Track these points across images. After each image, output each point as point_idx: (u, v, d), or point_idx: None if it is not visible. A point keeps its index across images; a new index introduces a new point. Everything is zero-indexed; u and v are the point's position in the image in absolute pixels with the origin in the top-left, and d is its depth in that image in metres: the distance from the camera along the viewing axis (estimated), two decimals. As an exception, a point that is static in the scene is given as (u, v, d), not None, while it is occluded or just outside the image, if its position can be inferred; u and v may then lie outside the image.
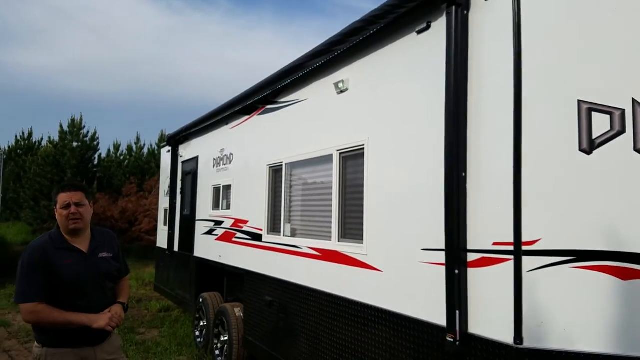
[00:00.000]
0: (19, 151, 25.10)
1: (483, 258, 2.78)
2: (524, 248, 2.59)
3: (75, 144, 20.26)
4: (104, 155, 23.17)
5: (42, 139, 25.03)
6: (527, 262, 2.58)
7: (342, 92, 4.05)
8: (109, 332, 3.18)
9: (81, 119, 20.80)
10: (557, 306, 2.54)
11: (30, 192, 19.45)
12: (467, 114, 2.89)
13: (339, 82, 4.02)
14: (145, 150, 24.58)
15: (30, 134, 25.91)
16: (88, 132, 21.05)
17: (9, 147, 25.43)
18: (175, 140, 8.50)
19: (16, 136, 25.57)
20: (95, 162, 21.66)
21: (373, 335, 3.59)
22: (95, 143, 21.25)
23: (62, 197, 3.10)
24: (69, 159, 19.49)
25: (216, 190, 6.87)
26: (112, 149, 24.18)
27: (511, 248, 2.62)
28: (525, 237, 2.59)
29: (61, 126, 20.55)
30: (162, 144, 10.15)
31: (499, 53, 2.76)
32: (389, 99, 3.57)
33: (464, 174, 2.87)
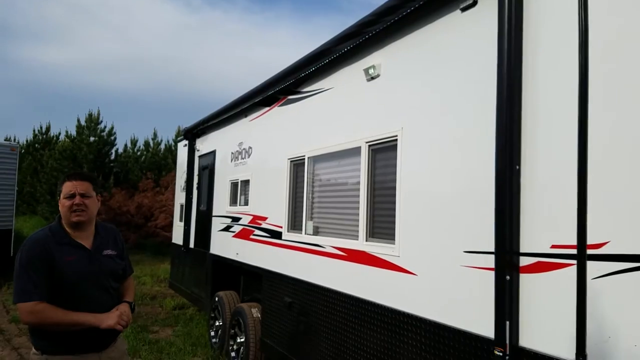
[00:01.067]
0: (36, 145, 25.13)
1: (539, 262, 2.45)
2: (589, 252, 2.24)
3: (92, 138, 20.20)
4: (120, 150, 23.11)
5: (59, 133, 25.00)
6: (592, 267, 2.23)
7: (372, 78, 3.72)
8: (115, 336, 2.93)
9: (98, 114, 20.74)
10: (627, 319, 2.19)
11: (47, 186, 19.43)
12: (521, 101, 2.55)
13: (370, 67, 3.69)
14: (162, 146, 24.50)
15: (48, 129, 25.91)
16: (105, 127, 21.00)
17: (26, 141, 25.48)
18: (192, 133, 8.24)
19: (34, 130, 25.59)
20: (112, 157, 21.60)
21: (404, 344, 3.27)
22: (113, 138, 21.17)
23: (67, 186, 2.84)
24: (86, 154, 19.43)
25: (234, 185, 6.59)
26: (129, 145, 24.13)
27: (573, 252, 2.28)
28: (590, 240, 2.24)
29: (78, 121, 20.52)
30: (179, 138, 9.91)
31: (560, 31, 2.42)
32: (428, 85, 3.24)
33: (517, 167, 2.53)
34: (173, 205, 17.42)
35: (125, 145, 24.04)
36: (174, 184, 18.63)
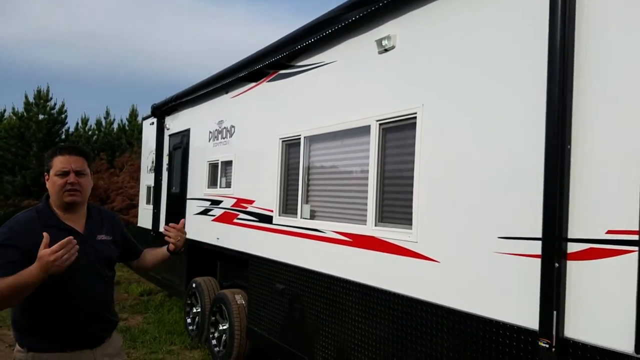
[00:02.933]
0: (-23, 123, 23.48)
1: (591, 249, 2.28)
2: (652, 238, 2.10)
3: (41, 116, 19.00)
4: (72, 129, 21.93)
5: (4, 110, 23.38)
6: (655, 254, 2.09)
7: (386, 50, 3.45)
8: (110, 331, 2.64)
9: (48, 90, 19.47)
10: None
11: (-7, 167, 18.24)
12: (573, 72, 2.36)
13: (384, 38, 3.42)
14: (115, 126, 23.44)
15: (-8, 105, 24.27)
16: (55, 104, 19.77)
17: (-34, 118, 23.78)
18: (161, 111, 7.76)
19: (-25, 106, 23.84)
20: (63, 136, 20.43)
21: (421, 333, 3.09)
22: (63, 116, 19.99)
23: (60, 162, 2.47)
24: (35, 132, 18.25)
25: (213, 166, 6.22)
26: (80, 124, 22.94)
27: (634, 237, 2.12)
28: (652, 225, 2.09)
29: (26, 97, 19.18)
30: (144, 116, 9.36)
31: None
32: (454, 56, 3.00)
33: (569, 146, 2.35)
34: (130, 188, 16.90)
35: (77, 124, 22.87)
36: (133, 164, 18.00)
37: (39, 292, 2.30)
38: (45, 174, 2.53)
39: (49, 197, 2.54)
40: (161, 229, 7.66)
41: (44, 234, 2.17)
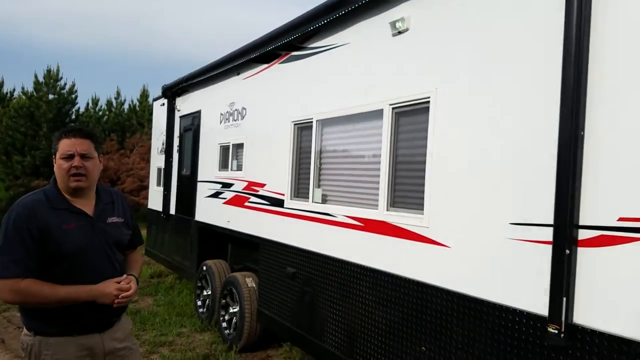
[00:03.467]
0: (-13, 101, 23.55)
1: (603, 236, 2.28)
2: (665, 226, 2.09)
3: (51, 96, 19.03)
4: (82, 109, 22.01)
5: (14, 89, 23.46)
6: (668, 242, 2.09)
7: (399, 33, 3.42)
8: (120, 314, 2.60)
9: (58, 70, 19.48)
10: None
11: (2, 146, 18.29)
12: (589, 57, 2.33)
13: (397, 20, 3.39)
14: (126, 106, 23.51)
15: (1, 84, 24.31)
16: (65, 84, 19.80)
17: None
18: (172, 92, 7.76)
19: (-18, 85, 23.89)
20: (73, 116, 20.52)
21: (431, 318, 3.12)
22: (74, 96, 20.03)
23: (65, 144, 2.43)
24: (45, 112, 18.29)
25: (224, 149, 6.24)
26: (90, 104, 23.02)
27: (647, 225, 2.12)
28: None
29: (36, 77, 19.21)
30: (155, 97, 9.37)
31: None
32: (468, 39, 2.97)
33: (582, 133, 2.34)
34: (141, 169, 17.00)
35: (87, 105, 22.95)
36: (140, 146, 18.07)
37: (48, 276, 2.33)
38: (53, 156, 2.49)
39: (57, 180, 2.50)
40: (172, 211, 7.74)
41: (117, 284, 2.44)
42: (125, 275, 2.54)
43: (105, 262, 2.52)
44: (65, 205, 2.45)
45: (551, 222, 2.42)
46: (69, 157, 2.42)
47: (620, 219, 2.22)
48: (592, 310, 2.32)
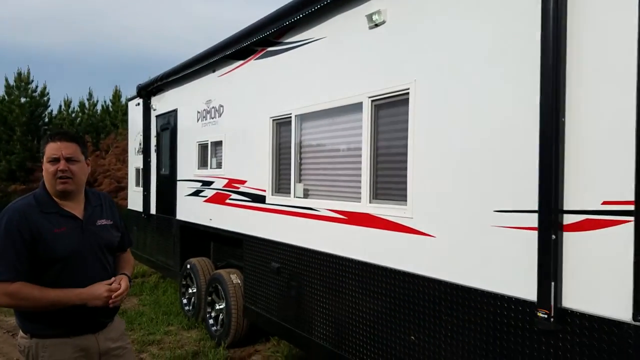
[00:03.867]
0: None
1: (587, 220, 2.31)
2: (647, 207, 2.12)
3: (23, 99, 18.63)
4: (55, 112, 21.55)
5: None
6: (650, 223, 2.12)
7: (376, 25, 3.41)
8: (113, 315, 2.63)
9: (29, 73, 19.08)
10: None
11: (-24, 153, 17.90)
12: (566, 43, 2.35)
13: (374, 13, 3.37)
14: (99, 107, 23.06)
15: (-30, 90, 23.64)
16: (37, 86, 19.39)
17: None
18: (147, 91, 7.63)
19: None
20: (46, 119, 20.09)
21: (418, 307, 3.13)
22: (46, 99, 19.64)
23: (51, 148, 2.45)
24: (18, 116, 17.92)
25: (202, 147, 6.16)
26: (63, 106, 22.54)
27: (630, 208, 2.15)
28: (648, 195, 2.12)
29: (7, 80, 18.80)
30: (128, 97, 9.21)
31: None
32: (445, 30, 2.97)
33: (563, 119, 2.35)
34: (120, 170, 16.73)
35: (60, 107, 22.46)
36: (118, 146, 17.76)
37: (42, 279, 2.37)
38: (42, 160, 2.51)
39: (45, 184, 2.51)
40: (152, 211, 7.64)
41: (107, 285, 2.44)
42: (113, 278, 2.56)
43: (96, 264, 2.54)
44: (55, 209, 2.46)
45: (536, 208, 2.44)
46: (55, 161, 2.44)
47: (604, 203, 2.25)
48: (580, 293, 2.34)
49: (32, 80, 19.21)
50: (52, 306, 2.35)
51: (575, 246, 2.35)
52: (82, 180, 2.53)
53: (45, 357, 2.40)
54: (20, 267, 2.32)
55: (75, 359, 2.44)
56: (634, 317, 2.13)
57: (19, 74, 18.93)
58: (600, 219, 2.26)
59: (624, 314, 2.17)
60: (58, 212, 2.46)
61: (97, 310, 2.46)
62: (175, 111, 6.93)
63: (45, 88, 19.59)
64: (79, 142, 2.54)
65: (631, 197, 2.14)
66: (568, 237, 2.38)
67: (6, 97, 18.60)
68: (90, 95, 23.06)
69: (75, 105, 22.59)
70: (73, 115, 22.54)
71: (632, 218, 2.14)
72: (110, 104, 23.14)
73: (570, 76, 2.34)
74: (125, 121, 19.39)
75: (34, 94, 19.13)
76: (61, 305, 2.36)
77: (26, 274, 2.33)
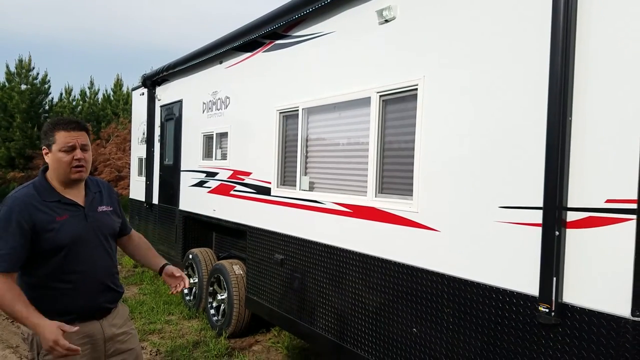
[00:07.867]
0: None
1: (590, 217, 2.37)
2: (649, 206, 2.18)
3: (24, 86, 18.62)
4: (55, 100, 21.54)
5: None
6: (652, 222, 2.18)
7: (386, 21, 3.45)
8: (116, 301, 2.69)
9: (30, 60, 19.08)
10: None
11: (-25, 139, 17.91)
12: (576, 41, 2.40)
13: (384, 9, 3.41)
14: (100, 96, 23.09)
15: (-30, 76, 23.62)
16: (38, 74, 19.39)
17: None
18: (152, 81, 7.66)
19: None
20: (47, 107, 20.09)
21: (422, 300, 3.19)
22: (47, 86, 19.64)
23: (65, 137, 2.44)
24: (18, 103, 17.92)
25: (207, 138, 6.21)
26: (64, 94, 22.53)
27: (633, 206, 2.21)
28: (650, 194, 2.18)
29: (7, 67, 18.82)
30: (134, 86, 9.24)
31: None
32: (455, 28, 3.01)
33: (570, 119, 2.41)
34: (120, 159, 16.78)
35: (60, 95, 22.47)
36: (119, 135, 17.79)
37: (46, 267, 2.39)
38: (44, 148, 2.48)
39: (46, 170, 2.52)
40: (154, 201, 7.68)
41: (73, 328, 2.27)
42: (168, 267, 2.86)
43: (99, 250, 2.58)
44: (56, 197, 2.47)
45: (540, 204, 2.50)
46: (71, 149, 2.44)
47: (608, 201, 2.30)
48: (581, 289, 2.40)
49: (33, 68, 19.20)
50: (12, 316, 2.30)
51: (577, 243, 2.41)
52: (90, 167, 2.57)
53: None
54: (13, 260, 2.30)
55: (80, 345, 2.41)
56: (633, 313, 2.19)
57: (20, 60, 18.93)
58: (603, 217, 2.32)
59: (623, 309, 2.23)
60: (59, 200, 2.46)
61: (99, 296, 2.53)
62: (180, 102, 6.96)
63: (46, 75, 19.61)
64: (88, 130, 2.58)
65: (634, 195, 2.20)
66: (571, 234, 2.44)
67: (6, 84, 18.56)
68: (92, 83, 23.10)
69: (76, 93, 22.64)
70: (74, 103, 22.56)
71: (634, 216, 2.20)
72: (111, 92, 23.17)
73: (578, 75, 2.39)
74: (126, 110, 19.42)
75: (34, 81, 19.10)
76: (20, 321, 2.30)
77: (19, 262, 2.32)
